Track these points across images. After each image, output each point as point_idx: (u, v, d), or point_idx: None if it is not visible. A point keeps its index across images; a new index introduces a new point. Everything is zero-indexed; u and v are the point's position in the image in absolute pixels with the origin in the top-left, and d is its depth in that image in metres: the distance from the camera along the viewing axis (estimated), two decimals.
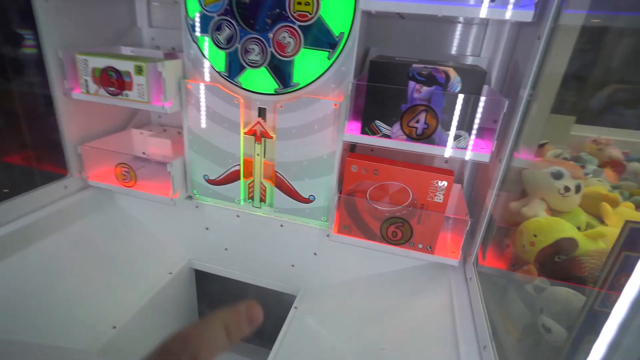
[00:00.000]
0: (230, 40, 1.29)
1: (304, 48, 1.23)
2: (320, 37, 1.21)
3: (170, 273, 1.68)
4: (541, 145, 1.14)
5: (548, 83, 0.97)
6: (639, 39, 0.96)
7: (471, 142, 1.09)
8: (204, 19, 1.30)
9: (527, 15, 0.96)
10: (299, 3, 1.17)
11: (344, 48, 1.20)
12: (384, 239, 1.32)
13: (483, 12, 1.00)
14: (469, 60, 1.40)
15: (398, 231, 1.29)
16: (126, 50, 1.66)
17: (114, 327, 1.31)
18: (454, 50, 1.43)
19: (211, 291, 1.94)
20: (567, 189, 1.01)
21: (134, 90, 1.39)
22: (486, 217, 1.17)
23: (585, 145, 1.12)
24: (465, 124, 1.08)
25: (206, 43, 1.33)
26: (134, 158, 1.84)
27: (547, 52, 0.94)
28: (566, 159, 1.10)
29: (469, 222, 1.19)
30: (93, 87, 1.44)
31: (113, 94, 1.42)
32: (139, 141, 1.83)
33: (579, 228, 1.09)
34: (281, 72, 1.30)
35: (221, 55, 1.34)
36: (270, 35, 1.24)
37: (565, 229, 0.99)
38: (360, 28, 1.18)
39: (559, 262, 1.07)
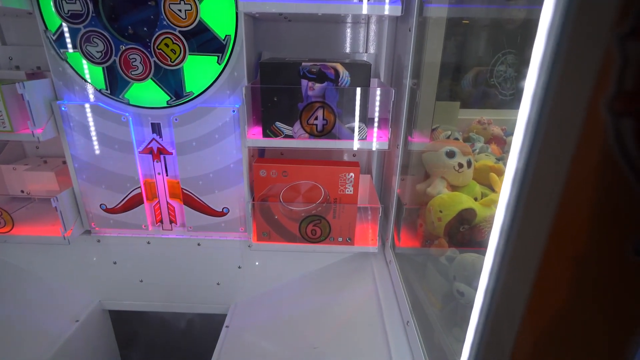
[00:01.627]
0: (105, 53, 1.22)
1: (190, 55, 1.21)
2: (205, 42, 1.20)
3: (77, 320, 1.53)
4: (434, 130, 1.28)
5: (429, 72, 1.09)
6: (491, 28, 1.13)
7: (368, 132, 1.18)
8: (70, 32, 1.21)
9: (397, 9, 1.07)
10: (176, 6, 1.15)
11: (233, 51, 1.21)
12: (304, 238, 1.37)
13: (357, 9, 1.09)
14: (360, 58, 1.50)
15: (316, 228, 1.34)
16: None
17: None
18: (345, 50, 1.52)
19: (131, 330, 1.81)
20: (460, 165, 1.15)
21: None
22: (394, 200, 1.28)
23: (473, 126, 1.29)
24: (361, 116, 1.17)
25: (77, 59, 1.24)
26: (11, 199, 1.64)
27: (421, 43, 1.07)
28: (457, 139, 1.25)
29: (380, 208, 1.28)
30: None
31: None
32: (14, 178, 1.63)
33: (475, 199, 1.25)
34: (170, 83, 1.26)
35: (98, 70, 1.26)
36: (150, 44, 1.20)
37: (464, 200, 1.13)
38: (247, 31, 1.20)
39: (463, 232, 1.22)
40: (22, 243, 1.43)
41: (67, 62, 1.25)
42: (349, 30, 1.51)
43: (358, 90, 1.13)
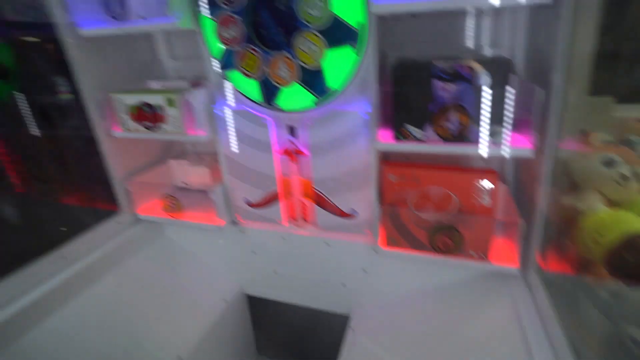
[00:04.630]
0: (258, 66, 1.45)
1: (328, 49, 1.34)
2: (341, 34, 1.30)
3: (225, 300, 1.89)
4: (585, 132, 1.15)
5: (579, 64, 1.00)
6: None
7: (509, 137, 1.14)
8: (229, 55, 1.48)
9: None
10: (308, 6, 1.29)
11: (368, 39, 1.29)
12: (434, 248, 1.40)
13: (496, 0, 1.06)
14: (490, 53, 1.44)
15: (447, 239, 1.36)
16: (153, 85, 1.93)
17: (180, 358, 1.54)
18: (472, 44, 1.48)
19: (264, 316, 2.13)
20: (623, 176, 1.02)
21: (169, 123, 1.63)
22: (540, 217, 1.20)
23: (631, 126, 1.11)
24: (500, 118, 1.14)
25: (235, 75, 1.52)
26: (177, 189, 2.12)
27: (570, 31, 0.98)
28: (612, 143, 1.10)
29: (522, 224, 1.22)
30: (131, 124, 1.71)
31: (149, 128, 1.67)
32: (179, 172, 2.10)
33: None
34: (314, 82, 1.41)
35: (253, 83, 1.50)
36: (292, 47, 1.38)
37: (631, 221, 1.00)
38: (375, 30, 1.28)
39: (633, 262, 1.07)
40: (185, 227, 1.83)
41: (226, 79, 1.54)
42: (473, 24, 1.46)
43: (498, 90, 1.11)
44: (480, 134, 1.17)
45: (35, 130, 1.77)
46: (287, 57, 1.40)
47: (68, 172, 1.87)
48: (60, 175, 1.88)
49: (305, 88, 1.44)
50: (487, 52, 1.46)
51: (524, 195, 1.40)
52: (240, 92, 1.54)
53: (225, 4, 1.40)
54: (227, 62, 1.51)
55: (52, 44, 1.61)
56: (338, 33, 1.31)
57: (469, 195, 1.26)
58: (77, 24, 1.59)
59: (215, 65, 1.53)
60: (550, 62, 1.08)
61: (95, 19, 1.59)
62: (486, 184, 1.22)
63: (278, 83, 1.45)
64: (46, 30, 1.56)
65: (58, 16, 1.56)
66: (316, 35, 1.32)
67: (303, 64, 1.39)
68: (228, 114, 1.59)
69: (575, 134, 1.13)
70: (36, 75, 1.73)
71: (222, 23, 1.43)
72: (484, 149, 1.18)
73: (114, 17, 1.55)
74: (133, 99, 1.64)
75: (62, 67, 1.63)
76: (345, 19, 1.28)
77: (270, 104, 1.51)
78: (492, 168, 1.29)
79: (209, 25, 1.47)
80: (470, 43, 1.49)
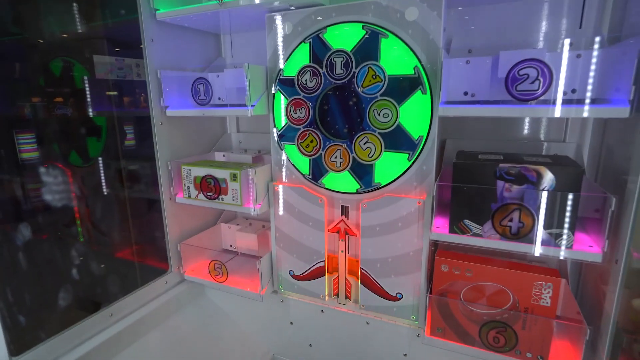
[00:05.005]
0: (315, 148, 1.45)
1: (385, 151, 1.34)
2: (400, 142, 1.32)
3: None
4: None
5: None
6: None
7: (575, 240, 1.04)
8: (290, 130, 1.49)
9: (622, 112, 0.95)
10: (378, 112, 1.30)
11: (423, 149, 1.28)
12: (484, 344, 1.24)
13: (556, 113, 1.02)
14: (553, 147, 1.39)
15: (500, 336, 1.21)
16: (219, 155, 1.94)
17: None
18: (532, 137, 1.43)
19: None
20: None
21: (229, 195, 1.59)
22: (610, 322, 1.06)
23: None
24: (565, 221, 1.05)
25: (291, 150, 1.52)
26: (224, 251, 2.03)
27: None
28: None
29: (587, 330, 1.08)
30: (194, 192, 1.68)
31: (211, 199, 1.64)
32: (228, 234, 2.04)
33: None
34: (363, 174, 1.41)
35: (305, 160, 1.50)
36: (352, 141, 1.38)
37: None
38: (438, 129, 1.26)
39: None
40: (229, 293, 1.72)
41: (284, 151, 1.53)
42: (535, 117, 1.42)
43: (568, 197, 1.02)
44: (544, 235, 1.08)
45: (107, 189, 1.76)
46: (345, 148, 1.40)
47: (128, 229, 1.83)
48: (121, 231, 1.83)
49: (353, 177, 1.43)
50: (552, 147, 1.39)
51: (588, 296, 1.26)
52: (292, 164, 1.53)
53: (302, 90, 1.42)
54: (287, 136, 1.51)
55: (141, 119, 1.68)
56: (398, 140, 1.32)
57: (527, 293, 1.14)
58: (166, 107, 1.66)
59: (276, 138, 1.54)
60: (624, 166, 1.00)
61: (182, 103, 1.67)
62: (547, 286, 1.09)
63: (329, 167, 1.45)
64: (140, 108, 1.63)
65: (153, 100, 1.64)
66: (377, 137, 1.34)
67: (358, 158, 1.39)
68: (285, 190, 1.55)
69: None
70: (120, 143, 1.77)
71: (294, 105, 1.46)
72: (546, 250, 1.07)
73: (198, 103, 1.63)
74: (200, 171, 1.63)
75: (145, 138, 1.67)
76: (408, 130, 1.29)
77: (316, 181, 1.49)
78: (554, 269, 1.17)
79: (279, 105, 1.50)
80: (532, 136, 1.44)
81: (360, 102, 1.35)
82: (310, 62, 1.40)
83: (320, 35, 1.36)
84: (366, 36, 1.28)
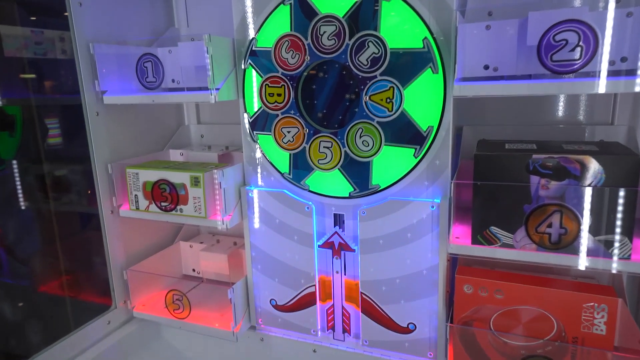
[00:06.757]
0: (296, 139, 1.44)
1: (385, 145, 1.33)
2: (404, 133, 1.31)
3: None
4: None
5: None
6: None
7: (634, 249, 1.04)
8: (265, 117, 1.48)
9: None
10: (381, 100, 1.30)
11: (434, 143, 1.29)
12: None
13: (601, 87, 1.02)
14: (598, 132, 1.40)
15: None
16: (175, 154, 1.91)
17: None
18: (572, 119, 1.44)
19: None
20: None
21: (190, 205, 1.56)
22: None
23: None
24: (624, 226, 1.05)
25: (267, 142, 1.50)
26: (185, 277, 2.00)
27: None
28: None
29: None
30: (143, 202, 1.64)
31: (166, 210, 1.60)
32: (189, 256, 2.01)
33: None
34: (357, 174, 1.41)
35: (285, 155, 1.49)
36: (344, 132, 1.37)
37: None
38: (453, 115, 1.26)
39: None
40: (192, 332, 1.69)
41: (257, 143, 1.52)
42: (585, 96, 1.43)
43: (620, 193, 1.03)
44: (591, 244, 1.08)
45: (25, 202, 1.71)
46: (335, 141, 1.39)
47: (55, 253, 1.78)
48: (46, 257, 1.78)
49: (345, 177, 1.43)
50: (597, 130, 1.39)
51: None
52: (268, 160, 1.53)
53: (281, 66, 1.41)
54: (261, 124, 1.50)
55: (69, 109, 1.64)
56: (402, 131, 1.31)
57: (575, 319, 1.14)
58: (103, 92, 1.62)
59: (247, 126, 1.53)
60: None
61: (125, 87, 1.63)
62: (601, 308, 1.10)
63: (315, 164, 1.44)
64: (67, 94, 1.58)
65: (85, 83, 1.58)
66: (375, 127, 1.33)
67: (351, 153, 1.38)
68: (262, 197, 1.53)
69: None
70: (41, 140, 1.71)
71: (270, 84, 1.44)
72: (595, 262, 1.08)
73: (146, 87, 1.60)
74: (151, 175, 1.59)
75: (75, 134, 1.63)
76: (414, 119, 1.29)
77: (298, 182, 1.49)
78: (609, 285, 1.17)
79: (251, 84, 1.49)
80: (570, 117, 1.44)
81: (355, 83, 1.33)
82: (291, 30, 1.38)
83: None
84: None
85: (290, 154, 1.48)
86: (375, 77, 1.30)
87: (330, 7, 1.32)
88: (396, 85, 1.27)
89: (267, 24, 1.42)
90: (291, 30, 1.38)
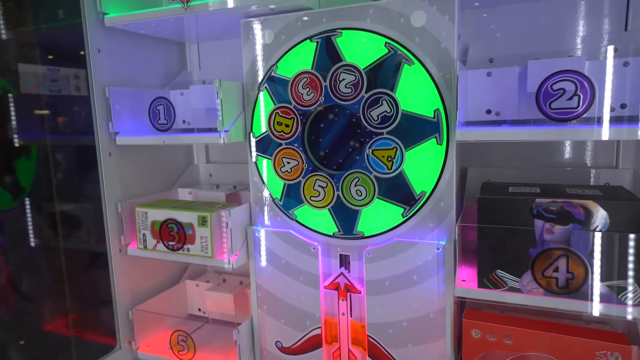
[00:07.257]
0: (295, 172, 1.48)
1: (378, 198, 1.37)
2: (397, 192, 1.34)
3: None
4: None
5: None
6: None
7: None
8: (269, 142, 1.51)
9: None
10: (382, 157, 1.34)
11: (422, 208, 1.32)
12: None
13: (604, 135, 1.04)
14: (603, 175, 1.40)
15: None
16: (184, 193, 1.94)
17: None
18: (576, 162, 1.45)
19: None
20: None
21: (197, 244, 1.58)
22: None
23: None
24: (631, 270, 1.04)
25: (265, 164, 1.53)
26: (190, 317, 1.98)
27: None
28: None
29: None
30: (151, 241, 1.66)
31: (173, 249, 1.62)
32: (195, 295, 2.00)
33: None
34: (343, 218, 1.44)
35: (280, 183, 1.52)
36: (341, 178, 1.40)
37: None
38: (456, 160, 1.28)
39: None
40: None
41: (255, 164, 1.55)
42: (589, 141, 1.44)
43: (629, 238, 1.03)
44: (601, 289, 1.07)
45: (36, 239, 1.73)
46: (331, 183, 1.44)
47: (62, 291, 1.78)
48: (52, 295, 1.78)
49: (332, 217, 1.46)
50: (601, 174, 1.40)
51: None
52: (262, 181, 1.56)
53: (296, 100, 1.44)
54: (264, 148, 1.54)
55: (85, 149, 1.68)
56: (396, 190, 1.35)
57: None
58: (116, 133, 1.67)
59: (252, 147, 1.56)
60: None
61: (137, 128, 1.68)
62: (614, 357, 1.08)
63: (306, 199, 1.48)
64: (80, 134, 1.62)
65: (100, 124, 1.64)
66: (371, 180, 1.37)
67: (343, 198, 1.42)
68: (269, 236, 1.54)
69: None
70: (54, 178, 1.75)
71: (281, 113, 1.48)
72: (607, 308, 1.06)
73: (158, 129, 1.64)
74: (159, 214, 1.61)
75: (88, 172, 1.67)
76: (410, 181, 1.33)
77: (287, 211, 1.52)
78: (621, 333, 1.15)
79: (260, 107, 1.53)
80: (575, 160, 1.45)
81: (361, 134, 1.37)
82: (312, 67, 1.42)
83: (333, 38, 1.38)
84: (387, 56, 1.31)
85: (285, 183, 1.51)
86: (382, 134, 1.33)
87: (355, 56, 1.35)
88: (400, 147, 1.31)
89: (290, 55, 1.45)
90: (312, 68, 1.42)
